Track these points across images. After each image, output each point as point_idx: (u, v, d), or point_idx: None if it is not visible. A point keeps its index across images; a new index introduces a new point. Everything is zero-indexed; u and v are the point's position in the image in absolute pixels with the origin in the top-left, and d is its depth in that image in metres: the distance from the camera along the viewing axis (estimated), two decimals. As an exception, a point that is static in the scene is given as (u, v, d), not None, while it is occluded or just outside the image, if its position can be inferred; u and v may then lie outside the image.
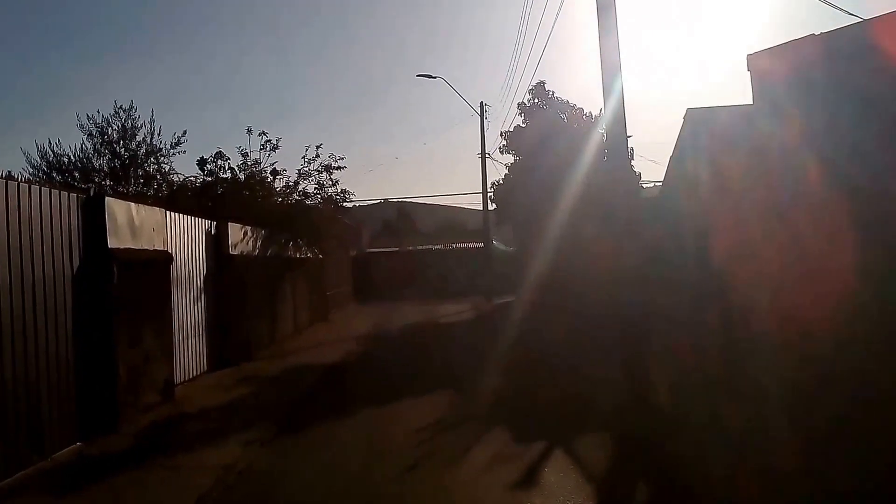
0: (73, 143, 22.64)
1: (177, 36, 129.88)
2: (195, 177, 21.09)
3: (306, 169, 22.66)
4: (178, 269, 12.96)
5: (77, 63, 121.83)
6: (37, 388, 7.95)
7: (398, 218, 68.63)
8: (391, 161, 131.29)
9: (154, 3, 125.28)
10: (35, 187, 8.49)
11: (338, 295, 33.62)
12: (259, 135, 21.45)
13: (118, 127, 18.92)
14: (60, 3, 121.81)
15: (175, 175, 20.24)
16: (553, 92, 27.65)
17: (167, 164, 19.78)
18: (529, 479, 7.36)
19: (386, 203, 64.92)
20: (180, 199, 18.56)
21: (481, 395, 11.97)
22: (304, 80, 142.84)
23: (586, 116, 26.74)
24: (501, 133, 29.87)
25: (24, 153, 18.36)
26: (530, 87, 27.96)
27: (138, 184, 19.10)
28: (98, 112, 18.86)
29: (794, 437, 7.46)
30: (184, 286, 13.37)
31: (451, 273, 44.74)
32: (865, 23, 7.81)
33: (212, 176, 21.21)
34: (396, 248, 51.36)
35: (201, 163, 21.21)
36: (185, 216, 13.80)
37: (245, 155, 21.44)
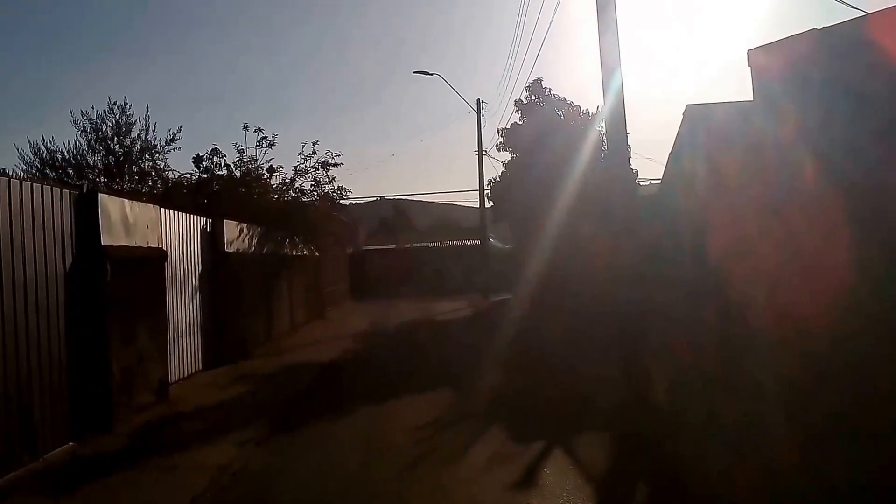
0: (67, 140, 22.54)
1: (172, 35, 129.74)
2: (191, 174, 21.04)
3: (302, 166, 22.62)
4: (173, 266, 12.87)
5: (72, 62, 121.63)
6: (29, 388, 7.86)
7: (394, 215, 68.57)
8: (387, 158, 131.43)
9: (149, 3, 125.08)
10: (27, 184, 8.39)
11: (334, 292, 33.56)
12: (255, 131, 21.43)
13: (112, 123, 18.83)
14: (55, 1, 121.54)
15: (170, 172, 20.17)
16: (550, 89, 27.63)
17: (162, 160, 19.71)
18: (528, 478, 7.29)
19: (382, 201, 64.77)
20: (176, 196, 18.48)
21: (479, 394, 11.92)
22: (300, 78, 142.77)
23: (583, 114, 26.69)
24: (498, 130, 29.83)
25: (18, 150, 18.27)
26: (527, 85, 27.93)
27: (133, 180, 19.01)
28: (92, 108, 18.81)
29: (794, 435, 7.41)
30: (179, 284, 13.27)
31: (448, 270, 44.74)
32: (867, 17, 7.72)
33: (207, 173, 21.12)
34: (393, 246, 51.34)
35: (197, 160, 21.14)
36: (180, 213, 13.70)
37: (241, 152, 21.40)
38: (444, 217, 66.40)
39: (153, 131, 19.38)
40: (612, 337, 12.87)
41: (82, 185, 14.78)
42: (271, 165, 21.88)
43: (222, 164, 21.22)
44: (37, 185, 8.57)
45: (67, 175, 18.26)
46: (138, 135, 19.13)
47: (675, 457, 7.75)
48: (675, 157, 10.86)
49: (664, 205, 11.78)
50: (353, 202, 34.28)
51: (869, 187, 7.27)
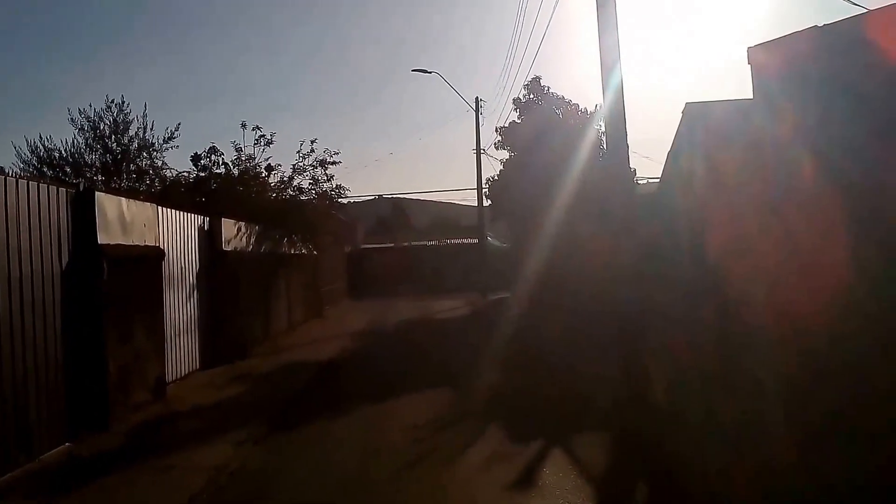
0: (65, 138, 22.42)
1: (171, 33, 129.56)
2: (188, 172, 20.95)
3: (301, 164, 22.56)
4: (171, 265, 12.82)
5: (70, 61, 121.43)
6: (24, 387, 7.82)
7: (393, 214, 68.55)
8: (386, 157, 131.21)
9: (147, 2, 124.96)
10: (23, 182, 8.35)
11: (332, 291, 33.52)
12: (253, 129, 21.34)
13: (110, 121, 18.74)
14: (54, 1, 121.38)
15: (168, 170, 20.09)
16: (549, 87, 27.60)
17: (160, 159, 19.62)
18: (527, 478, 7.26)
19: (380, 199, 64.68)
20: (173, 194, 18.42)
21: (478, 393, 11.90)
22: (299, 76, 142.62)
23: (581, 112, 26.66)
24: (497, 129, 29.81)
25: (15, 148, 18.21)
26: (526, 83, 27.87)
27: (131, 179, 18.92)
28: (90, 106, 18.69)
29: (793, 434, 7.36)
30: (176, 283, 13.22)
31: (446, 269, 44.64)
32: (868, 14, 7.68)
33: (205, 171, 21.05)
34: (391, 245, 51.29)
35: (195, 158, 21.06)
36: (178, 212, 13.64)
37: (239, 150, 21.30)
38: (442, 216, 66.36)
39: (151, 130, 19.31)
40: (610, 335, 12.83)
41: (79, 183, 14.69)
42: (269, 164, 21.84)
43: (220, 163, 21.15)
44: (33, 184, 8.52)
45: (65, 173, 18.16)
46: (136, 133, 19.06)
47: (673, 455, 7.73)
48: (674, 155, 10.81)
49: (663, 203, 11.74)
50: (352, 201, 34.27)
51: (868, 186, 7.23)
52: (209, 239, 15.50)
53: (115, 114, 18.78)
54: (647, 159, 63.28)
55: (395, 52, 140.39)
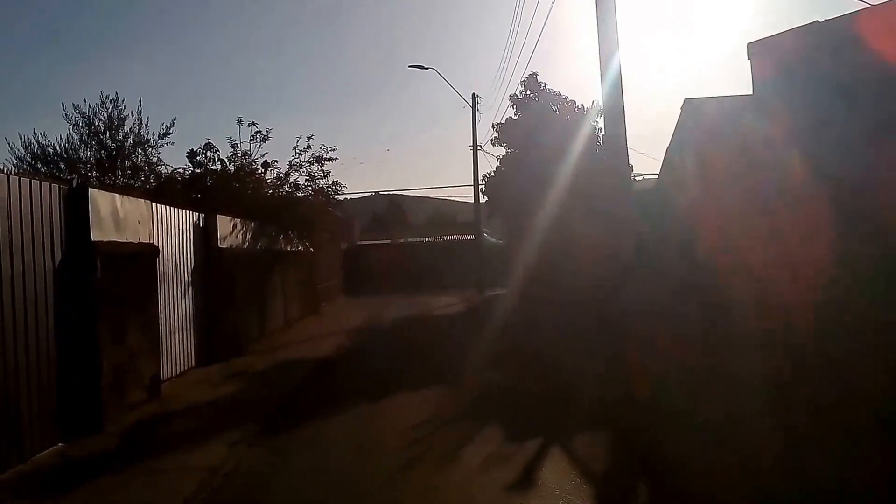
0: (59, 134, 22.26)
1: (167, 29, 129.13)
2: (184, 168, 20.83)
3: (297, 160, 22.47)
4: (165, 262, 12.70)
5: (65, 57, 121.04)
6: (16, 387, 7.69)
7: (389, 210, 68.47)
8: (382, 154, 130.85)
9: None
10: (14, 178, 8.23)
11: (329, 288, 33.45)
12: (249, 125, 21.21)
13: (105, 117, 18.56)
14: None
15: (163, 167, 19.94)
16: (545, 84, 27.48)
17: (155, 155, 19.45)
18: (526, 478, 7.17)
19: (377, 196, 64.61)
20: (169, 191, 18.27)
21: (474, 390, 11.83)
22: (295, 72, 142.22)
23: (578, 109, 26.57)
24: (493, 125, 29.71)
25: (9, 144, 18.02)
26: (523, 79, 27.78)
27: (126, 175, 18.76)
28: (84, 102, 18.52)
29: (793, 432, 7.34)
30: (171, 280, 13.11)
31: (442, 266, 44.52)
32: (870, 9, 7.61)
33: (201, 167, 20.93)
34: (387, 241, 51.17)
35: (191, 155, 20.92)
36: (173, 208, 13.53)
37: (235, 146, 21.19)
38: (438, 212, 66.38)
39: (146, 126, 19.14)
40: (609, 333, 12.80)
41: (72, 179, 14.55)
42: (266, 160, 21.73)
43: (216, 159, 21.03)
44: (24, 180, 8.39)
45: (59, 170, 17.99)
46: (131, 129, 18.88)
47: (675, 454, 7.64)
48: (672, 151, 10.75)
49: (661, 199, 11.68)
50: (348, 197, 34.21)
51: (867, 181, 7.18)
52: (204, 236, 15.38)
53: (109, 110, 18.58)
54: (644, 155, 63.30)
55: (391, 48, 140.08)
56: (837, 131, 7.42)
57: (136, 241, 11.08)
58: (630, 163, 11.38)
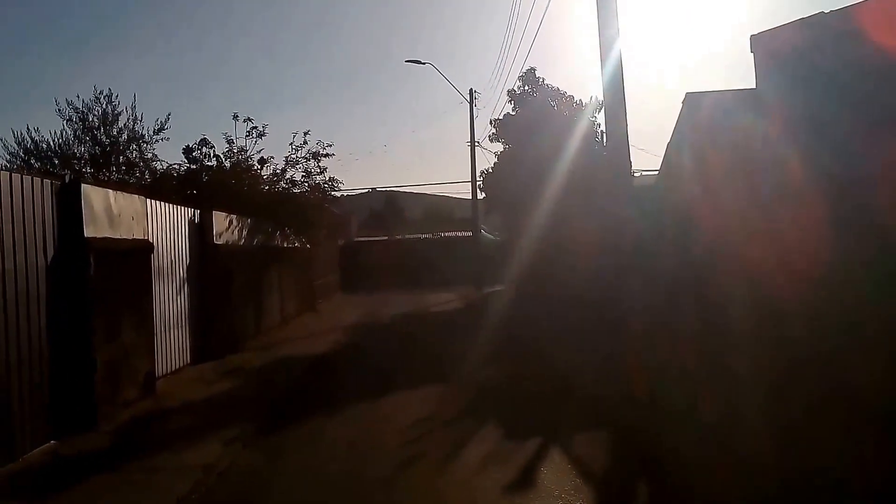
0: (53, 130, 22.11)
1: (162, 25, 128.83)
2: (179, 164, 20.71)
3: (293, 156, 22.38)
4: (160, 258, 12.58)
5: (59, 52, 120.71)
6: (7, 385, 7.57)
7: (386, 207, 68.37)
8: (379, 149, 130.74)
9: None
10: (5, 174, 8.10)
11: (326, 284, 33.35)
12: (244, 121, 21.14)
13: (99, 113, 18.43)
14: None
15: (158, 162, 19.83)
16: (543, 79, 27.39)
17: (149, 151, 19.33)
18: (525, 478, 7.08)
19: (374, 192, 64.54)
20: (164, 187, 18.16)
21: (472, 388, 11.74)
22: (291, 68, 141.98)
23: (576, 104, 26.50)
24: (491, 121, 29.60)
25: (1, 139, 17.88)
26: (521, 74, 27.67)
27: (120, 171, 18.64)
28: (78, 97, 18.39)
29: (797, 431, 7.27)
30: (166, 276, 12.99)
31: (440, 262, 44.39)
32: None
33: (196, 164, 20.82)
34: (385, 237, 51.07)
35: (187, 151, 20.84)
36: (167, 204, 13.41)
37: (230, 142, 21.12)
38: (436, 208, 66.23)
39: (140, 121, 19.02)
40: (608, 330, 12.73)
41: (65, 175, 14.40)
42: (262, 156, 21.67)
43: (211, 155, 20.95)
44: (16, 176, 8.26)
45: (53, 165, 17.88)
46: (125, 124, 18.77)
47: (669, 450, 7.59)
48: (673, 146, 10.63)
49: (661, 195, 11.57)
50: (345, 193, 34.07)
51: (872, 174, 7.09)
52: (200, 232, 15.27)
53: (104, 105, 18.49)
54: (644, 152, 63.04)
55: (388, 43, 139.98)
56: (843, 126, 7.31)
57: (131, 237, 10.96)
58: (630, 158, 11.19)
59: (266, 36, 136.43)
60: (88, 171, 17.95)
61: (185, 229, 14.32)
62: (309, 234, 24.42)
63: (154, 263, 12.09)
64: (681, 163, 10.21)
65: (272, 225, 21.22)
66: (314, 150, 22.48)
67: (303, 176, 22.68)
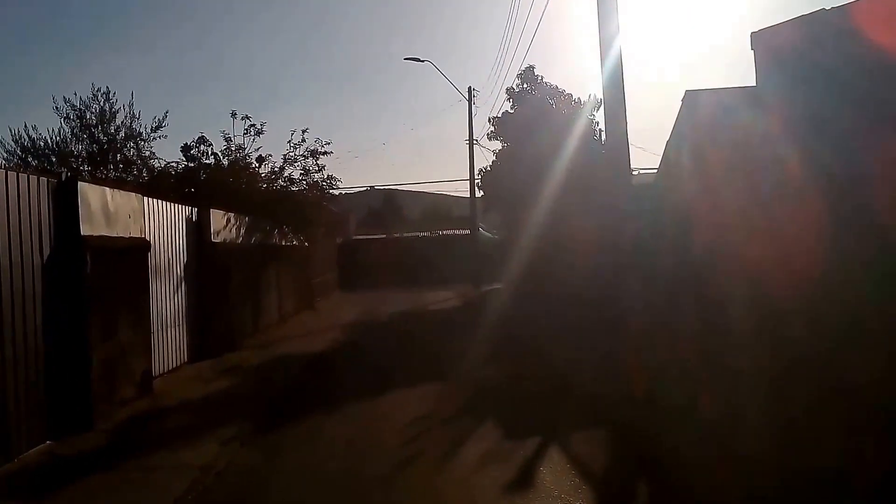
0: (50, 127, 22.03)
1: (159, 22, 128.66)
2: (177, 162, 20.65)
3: (292, 154, 22.35)
4: (157, 257, 12.52)
5: (57, 50, 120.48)
6: (3, 384, 7.51)
7: (384, 205, 68.35)
8: (378, 147, 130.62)
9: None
10: (0, 171, 8.04)
11: (324, 282, 33.30)
12: (242, 119, 21.10)
13: (96, 110, 18.36)
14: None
15: (156, 160, 19.76)
16: (542, 77, 27.35)
17: (147, 148, 19.27)
18: (525, 478, 7.03)
19: (372, 190, 64.48)
20: (162, 185, 18.11)
21: (471, 386, 11.69)
22: (290, 66, 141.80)
23: (575, 102, 26.46)
24: (490, 119, 29.53)
25: (-2, 137, 17.82)
26: (519, 72, 27.61)
27: (118, 169, 18.58)
28: (75, 94, 18.32)
29: (796, 428, 7.26)
30: (163, 275, 12.93)
31: (438, 260, 44.35)
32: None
33: (194, 162, 20.77)
34: (383, 236, 51.04)
35: (185, 149, 20.82)
36: (165, 202, 13.36)
37: (228, 140, 21.08)
38: (434, 206, 66.23)
39: (138, 119, 18.95)
40: (606, 329, 12.68)
41: (61, 172, 14.34)
42: (260, 154, 21.63)
43: (209, 153, 20.91)
44: (11, 173, 8.22)
45: (50, 163, 17.82)
46: (122, 122, 18.70)
47: (668, 449, 7.55)
48: (673, 144, 10.60)
49: (660, 193, 11.54)
50: (344, 192, 34.04)
51: (872, 173, 7.07)
52: (197, 230, 15.21)
53: (101, 103, 18.41)
54: (642, 150, 62.94)
55: (387, 40, 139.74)
56: (844, 124, 7.29)
57: (128, 235, 10.90)
58: (629, 155, 11.12)
59: (265, 34, 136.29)
60: (86, 169, 17.89)
61: (182, 227, 14.26)
62: (307, 233, 24.38)
63: (151, 262, 12.03)
64: (680, 161, 10.18)
65: (270, 223, 21.18)
66: (312, 148, 22.52)
67: (301, 174, 22.70)
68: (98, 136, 18.34)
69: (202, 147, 20.79)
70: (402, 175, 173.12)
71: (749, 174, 8.54)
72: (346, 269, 42.27)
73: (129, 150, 18.86)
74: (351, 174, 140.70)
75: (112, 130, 18.50)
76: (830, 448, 6.52)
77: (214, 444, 8.36)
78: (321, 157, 22.64)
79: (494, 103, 37.45)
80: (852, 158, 7.31)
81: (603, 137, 23.72)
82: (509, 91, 27.86)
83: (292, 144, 22.30)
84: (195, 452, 8.04)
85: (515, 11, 63.63)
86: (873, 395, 6.80)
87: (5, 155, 17.61)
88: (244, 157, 21.25)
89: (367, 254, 46.77)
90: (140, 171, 19.16)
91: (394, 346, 17.74)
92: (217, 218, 16.24)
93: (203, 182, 20.09)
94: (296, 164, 22.47)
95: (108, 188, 10.60)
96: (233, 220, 17.57)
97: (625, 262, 10.96)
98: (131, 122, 18.76)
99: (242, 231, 18.41)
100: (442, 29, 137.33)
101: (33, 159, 17.74)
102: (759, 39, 8.03)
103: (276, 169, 22.23)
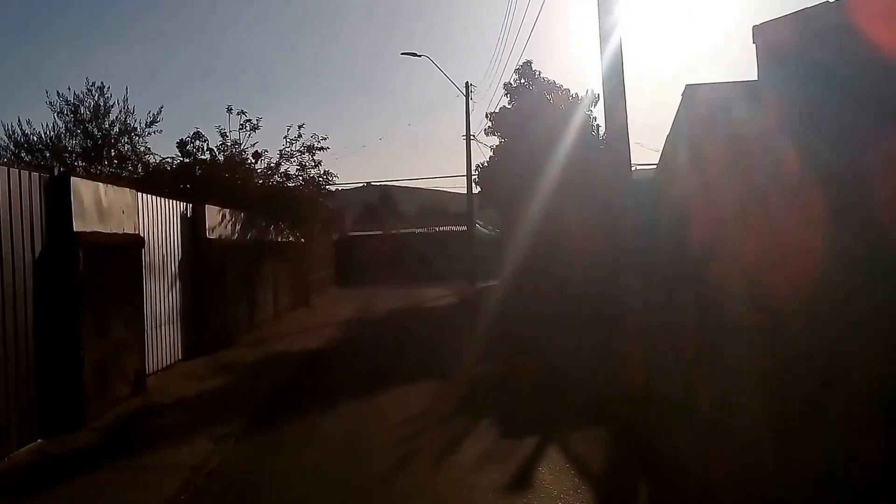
0: (44, 122, 21.88)
1: (153, 15, 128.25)
2: (172, 158, 20.52)
3: (288, 149, 22.23)
4: (151, 253, 12.41)
5: (51, 44, 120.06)
6: (-8, 382, 7.40)
7: (381, 201, 68.17)
8: (374, 143, 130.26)
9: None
10: (-9, 166, 7.92)
11: (319, 279, 33.21)
12: (238, 114, 20.96)
13: (90, 105, 18.20)
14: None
15: (151, 156, 19.62)
16: (540, 72, 27.24)
17: (142, 144, 19.12)
18: (523, 478, 6.93)
19: (369, 186, 64.26)
20: (157, 181, 17.96)
21: (468, 384, 11.64)
22: (285, 60, 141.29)
23: (572, 97, 26.34)
24: (487, 114, 29.43)
25: (-9, 132, 17.65)
26: (517, 67, 27.52)
27: (112, 164, 18.43)
28: (69, 89, 18.16)
29: (795, 426, 7.21)
30: (157, 271, 12.81)
31: (435, 257, 44.33)
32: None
33: (190, 157, 20.64)
34: (379, 232, 50.95)
35: (181, 145, 20.68)
36: (159, 198, 13.23)
37: (224, 135, 20.96)
38: (431, 203, 66.05)
39: (132, 114, 18.79)
40: (604, 326, 12.61)
41: (53, 167, 14.20)
42: (256, 150, 21.52)
43: (205, 149, 20.78)
44: (2, 168, 8.09)
45: (44, 159, 17.67)
46: (117, 117, 18.54)
47: (668, 447, 7.48)
48: (672, 139, 10.52)
49: (660, 188, 11.46)
50: (340, 188, 33.93)
51: (871, 167, 6.99)
52: (192, 226, 15.09)
53: (95, 97, 18.25)
54: (640, 145, 62.78)
55: (383, 35, 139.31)
56: (843, 119, 7.21)
57: (121, 231, 10.78)
58: (629, 148, 10.98)
59: (260, 28, 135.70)
60: (80, 164, 17.74)
61: (177, 223, 14.15)
62: (303, 229, 24.31)
63: (145, 258, 11.93)
64: (679, 156, 10.09)
65: (266, 219, 21.08)
66: (308, 144, 22.43)
67: (297, 169, 22.61)
68: (92, 132, 18.19)
69: (198, 142, 20.69)
70: (398, 171, 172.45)
71: (748, 169, 8.46)
72: (342, 266, 42.21)
73: (124, 146, 18.71)
74: (347, 170, 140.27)
75: (106, 125, 18.36)
76: (829, 446, 6.51)
77: (208, 443, 8.25)
78: (317, 152, 22.58)
79: (492, 99, 37.53)
80: (852, 154, 7.23)
81: (601, 133, 23.67)
82: (507, 86, 27.76)
83: (288, 140, 22.21)
84: (188, 451, 7.95)
85: (513, 6, 63.54)
86: (871, 391, 6.76)
87: (-1, 150, 17.45)
88: (240, 153, 21.14)
89: (364, 250, 46.72)
90: (135, 167, 19.02)
91: (390, 343, 17.67)
92: (212, 214, 16.12)
93: (198, 178, 19.97)
94: (292, 160, 22.41)
95: (101, 183, 10.47)
96: (228, 216, 17.45)
97: (622, 258, 10.86)
98: (126, 117, 18.63)
99: (238, 227, 18.30)
100: (439, 24, 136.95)
101: (27, 155, 17.60)
102: (761, 33, 7.92)
103: (271, 164, 22.16)
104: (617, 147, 10.76)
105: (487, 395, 10.87)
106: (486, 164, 31.09)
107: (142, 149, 19.09)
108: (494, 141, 29.67)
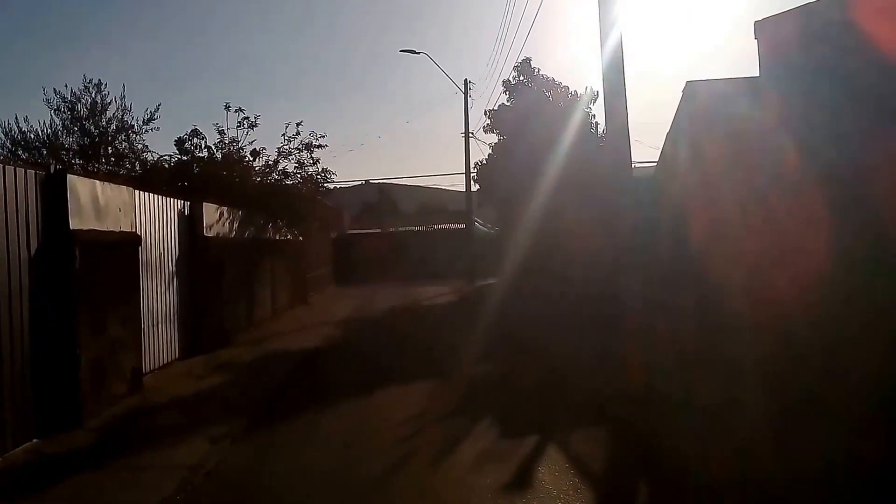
0: (41, 120, 21.81)
1: (151, 12, 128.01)
2: (170, 156, 20.44)
3: (286, 147, 22.15)
4: (148, 251, 12.34)
5: (48, 41, 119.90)
6: (-13, 381, 7.34)
7: (379, 199, 68.09)
8: (373, 141, 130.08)
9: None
10: (-14, 163, 7.85)
11: (318, 277, 33.15)
12: (236, 111, 20.86)
13: (87, 102, 18.12)
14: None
15: (149, 154, 19.55)
16: (539, 69, 27.13)
17: (140, 141, 19.04)
18: (523, 478, 6.89)
19: (367, 184, 64.17)
20: (155, 179, 17.88)
21: (467, 384, 11.58)
22: (284, 57, 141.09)
23: (572, 95, 26.27)
24: (486, 112, 29.32)
25: (-13, 129, 17.58)
26: (516, 64, 27.42)
27: (109, 162, 18.36)
28: (66, 86, 18.08)
29: (795, 423, 7.17)
30: (155, 270, 12.75)
31: (433, 255, 44.24)
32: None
33: (187, 155, 20.56)
34: (378, 230, 50.87)
35: (179, 142, 20.60)
36: (156, 196, 13.16)
37: (222, 133, 20.85)
38: (429, 201, 65.97)
39: (130, 111, 18.72)
40: (603, 325, 12.56)
41: (49, 165, 14.12)
42: (254, 148, 21.43)
43: (203, 146, 20.70)
44: (-3, 165, 8.03)
45: (41, 156, 17.60)
46: (114, 114, 18.46)
47: (668, 446, 7.46)
48: (672, 136, 10.45)
49: (660, 186, 11.40)
50: (338, 186, 33.88)
51: (872, 164, 6.96)
52: (190, 224, 15.02)
53: (92, 94, 18.19)
54: (639, 142, 62.64)
55: (382, 32, 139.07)
56: (845, 115, 7.17)
57: (118, 229, 10.72)
58: (630, 144, 10.89)
59: (258, 25, 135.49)
60: (77, 162, 17.67)
61: (174, 221, 14.08)
62: (301, 227, 24.24)
63: (142, 256, 11.86)
64: (679, 153, 10.03)
65: (264, 217, 21.01)
66: (307, 141, 22.30)
67: (295, 167, 22.51)
68: (89, 129, 18.11)
69: (195, 140, 20.60)
70: (397, 169, 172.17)
71: (749, 166, 8.41)
72: (341, 264, 42.14)
73: (121, 143, 18.64)
74: (345, 168, 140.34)
75: (103, 123, 18.28)
76: (829, 445, 6.50)
77: (205, 443, 8.21)
78: (316, 150, 22.48)
79: (491, 96, 37.46)
80: (853, 151, 7.19)
81: (600, 130, 23.60)
82: (506, 83, 27.65)
83: (286, 137, 22.12)
84: (185, 451, 7.90)
85: (512, 3, 63.41)
86: (872, 388, 6.72)
87: (-6, 147, 17.38)
88: (238, 151, 21.04)
89: (362, 248, 46.62)
90: (132, 165, 18.94)
91: (389, 341, 17.62)
92: (210, 212, 16.05)
93: (196, 175, 19.88)
94: (290, 158, 22.30)
95: (98, 181, 10.41)
96: (226, 214, 17.38)
97: (622, 257, 10.80)
98: (123, 115, 18.56)
99: (236, 225, 18.23)
100: (438, 21, 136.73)
101: (23, 152, 17.53)
102: (763, 29, 7.88)
103: (270, 162, 22.06)
104: (617, 145, 10.67)
105: (487, 394, 10.82)
106: (485, 161, 31.01)
107: (139, 146, 19.04)
108: (493, 138, 29.60)
